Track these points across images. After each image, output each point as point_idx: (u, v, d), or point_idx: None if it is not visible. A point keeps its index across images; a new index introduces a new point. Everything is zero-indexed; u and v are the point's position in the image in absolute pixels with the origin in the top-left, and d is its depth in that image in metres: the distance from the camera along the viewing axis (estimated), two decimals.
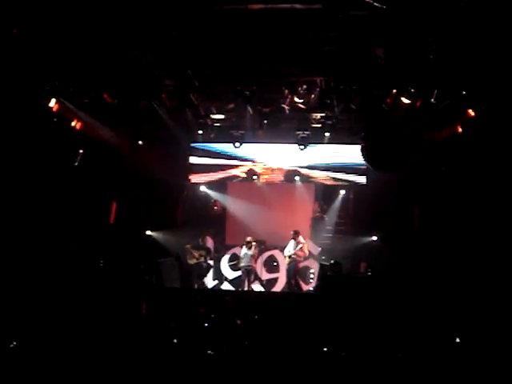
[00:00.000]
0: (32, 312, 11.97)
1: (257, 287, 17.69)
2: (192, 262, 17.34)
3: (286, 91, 15.54)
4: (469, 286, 13.92)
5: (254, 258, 17.17)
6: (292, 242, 16.99)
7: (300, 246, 16.90)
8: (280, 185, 19.13)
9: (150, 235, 18.17)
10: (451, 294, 13.76)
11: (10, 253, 14.33)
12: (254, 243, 17.08)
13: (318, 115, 17.01)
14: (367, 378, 8.75)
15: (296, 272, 17.04)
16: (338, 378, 8.79)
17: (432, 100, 14.85)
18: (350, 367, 9.18)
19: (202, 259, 17.43)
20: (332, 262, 16.61)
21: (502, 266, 13.99)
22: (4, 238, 14.40)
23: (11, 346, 9.82)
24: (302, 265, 17.44)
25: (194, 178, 18.92)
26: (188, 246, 17.52)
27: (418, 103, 15.02)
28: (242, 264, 17.14)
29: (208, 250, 17.81)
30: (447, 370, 8.95)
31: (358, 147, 17.74)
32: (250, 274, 17.11)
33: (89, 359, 9.10)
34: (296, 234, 17.04)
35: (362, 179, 18.23)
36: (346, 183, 18.47)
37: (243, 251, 17.13)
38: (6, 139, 14.52)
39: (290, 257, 16.89)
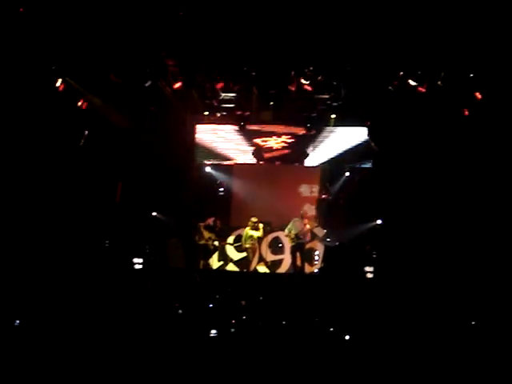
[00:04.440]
0: (36, 290, 12.02)
1: (262, 269, 17.71)
2: (200, 242, 17.34)
3: (293, 73, 15.49)
4: (474, 268, 13.97)
5: (260, 239, 17.25)
6: (295, 222, 16.95)
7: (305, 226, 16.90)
8: (285, 166, 19.13)
9: (155, 216, 18.18)
10: (455, 277, 13.80)
11: (15, 232, 14.39)
12: (260, 224, 17.16)
13: (325, 97, 16.94)
14: (372, 360, 8.78)
15: (302, 254, 17.01)
16: (342, 359, 8.82)
17: (439, 83, 14.82)
18: (355, 349, 9.21)
19: (210, 242, 17.42)
20: (337, 243, 16.64)
21: (505, 247, 14.05)
22: (10, 218, 14.46)
23: (15, 324, 9.85)
24: (307, 246, 17.42)
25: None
26: (201, 224, 17.48)
27: (425, 86, 14.99)
28: (247, 245, 17.17)
29: (218, 234, 17.77)
30: (452, 353, 8.97)
31: (365, 129, 17.94)
32: (254, 254, 17.19)
33: (91, 340, 9.15)
34: (302, 215, 17.06)
35: (368, 163, 18.31)
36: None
37: (249, 232, 17.14)
38: (13, 119, 14.54)
39: (295, 237, 16.83)
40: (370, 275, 15.83)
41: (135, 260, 16.07)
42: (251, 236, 17.07)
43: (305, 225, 16.80)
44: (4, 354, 8.43)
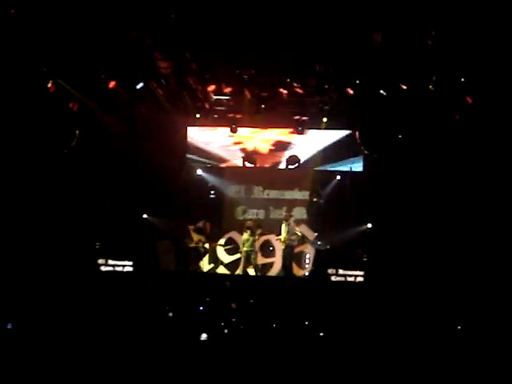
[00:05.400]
0: (27, 293, 11.98)
1: (252, 271, 17.70)
2: (190, 245, 17.34)
3: (284, 75, 15.49)
4: (465, 271, 14.00)
5: (256, 242, 17.25)
6: (284, 227, 17.00)
7: (293, 230, 16.95)
8: (277, 170, 19.14)
9: (146, 218, 18.14)
10: (446, 280, 13.83)
11: (4, 234, 14.35)
12: (256, 227, 17.21)
13: (316, 100, 16.95)
14: (362, 363, 8.78)
15: (292, 257, 17.05)
16: (333, 363, 8.81)
17: (430, 86, 14.85)
18: (346, 352, 9.20)
19: (200, 244, 17.41)
20: (328, 247, 16.66)
21: (499, 253, 14.08)
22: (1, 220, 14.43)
23: (8, 327, 9.81)
24: (297, 250, 17.44)
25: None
26: (190, 227, 17.48)
27: (417, 89, 15.02)
28: (244, 248, 17.15)
29: (208, 236, 17.77)
30: (446, 356, 8.98)
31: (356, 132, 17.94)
32: (249, 258, 17.15)
33: (82, 343, 9.12)
34: (287, 218, 17.11)
35: (359, 166, 18.35)
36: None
37: (245, 236, 17.15)
38: (3, 121, 14.50)
39: (285, 241, 16.89)
40: (360, 279, 15.85)
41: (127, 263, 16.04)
42: (248, 239, 17.09)
43: (293, 227, 16.89)
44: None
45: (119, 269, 15.88)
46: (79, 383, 8.10)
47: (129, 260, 16.02)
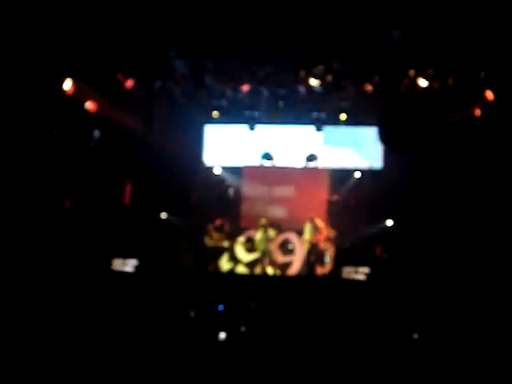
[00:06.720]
0: (45, 292, 12.03)
1: (270, 270, 17.67)
2: (209, 243, 17.35)
3: (302, 72, 15.42)
4: (485, 270, 13.85)
5: (271, 240, 17.23)
6: (308, 227, 16.96)
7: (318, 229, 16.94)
8: (295, 168, 19.07)
9: (164, 217, 18.15)
10: (467, 277, 13.70)
11: (23, 233, 14.39)
12: (270, 225, 17.18)
13: (334, 97, 16.86)
14: (381, 364, 8.70)
15: (315, 256, 17.02)
16: (351, 362, 8.74)
17: (450, 82, 14.73)
18: (364, 351, 9.13)
19: (219, 243, 17.41)
20: (347, 245, 16.58)
21: None
22: (18, 220, 14.46)
23: (28, 324, 9.84)
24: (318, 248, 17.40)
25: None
26: (210, 225, 17.49)
27: (436, 85, 14.91)
28: (260, 247, 17.15)
29: (227, 234, 17.77)
30: (462, 353, 8.88)
31: (374, 129, 17.82)
32: (266, 257, 17.12)
33: (100, 342, 9.12)
34: (312, 219, 17.06)
35: (378, 163, 18.26)
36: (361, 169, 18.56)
37: (260, 234, 17.14)
38: (22, 121, 14.54)
39: (310, 241, 16.87)
40: (380, 277, 15.76)
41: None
42: (262, 238, 17.09)
43: (318, 227, 16.91)
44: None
45: (137, 268, 15.88)
46: (97, 382, 8.10)
47: (147, 259, 16.01)
